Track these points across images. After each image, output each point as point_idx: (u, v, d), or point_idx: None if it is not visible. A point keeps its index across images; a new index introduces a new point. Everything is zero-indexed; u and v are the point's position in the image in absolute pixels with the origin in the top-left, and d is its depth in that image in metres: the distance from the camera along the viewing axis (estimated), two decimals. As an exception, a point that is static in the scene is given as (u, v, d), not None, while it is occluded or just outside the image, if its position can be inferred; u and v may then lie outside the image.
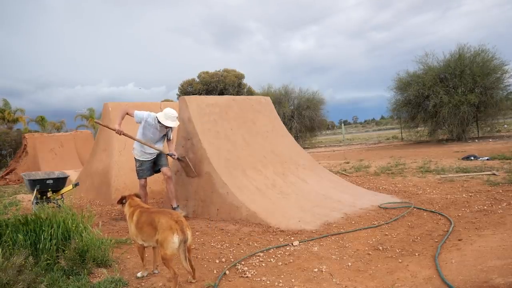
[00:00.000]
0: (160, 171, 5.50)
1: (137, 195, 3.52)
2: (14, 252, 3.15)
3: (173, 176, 5.72)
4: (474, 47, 15.93)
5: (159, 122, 5.18)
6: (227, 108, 6.43)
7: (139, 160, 5.40)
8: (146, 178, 5.47)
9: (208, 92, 26.44)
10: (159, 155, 5.50)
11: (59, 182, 6.07)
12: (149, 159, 5.42)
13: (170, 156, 5.44)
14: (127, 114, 5.27)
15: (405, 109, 17.36)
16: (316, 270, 3.16)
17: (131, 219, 3.23)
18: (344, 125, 41.40)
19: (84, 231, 3.57)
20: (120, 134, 5.23)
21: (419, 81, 16.11)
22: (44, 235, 3.37)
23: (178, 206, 5.47)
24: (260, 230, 4.43)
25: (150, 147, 5.29)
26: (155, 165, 5.51)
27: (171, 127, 5.31)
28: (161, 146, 5.48)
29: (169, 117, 5.20)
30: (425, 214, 4.71)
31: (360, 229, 4.22)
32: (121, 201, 3.48)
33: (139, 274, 3.22)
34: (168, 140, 5.51)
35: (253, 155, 6.05)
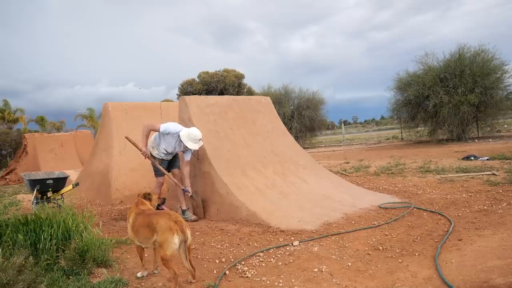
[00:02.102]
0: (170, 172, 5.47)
1: (145, 195, 3.50)
2: (14, 252, 3.14)
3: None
4: (474, 47, 15.97)
5: (180, 140, 5.07)
6: (227, 108, 6.44)
7: (158, 158, 5.29)
8: (164, 176, 5.38)
9: (208, 92, 26.43)
10: (175, 157, 5.50)
11: (59, 182, 6.08)
12: (168, 158, 5.40)
13: (185, 192, 5.29)
14: (152, 130, 5.13)
15: (405, 109, 17.36)
16: (316, 270, 3.16)
17: (128, 221, 3.24)
18: (344, 125, 41.36)
19: (84, 231, 3.57)
20: (145, 157, 5.16)
21: (419, 81, 16.11)
22: (44, 235, 3.37)
23: (188, 208, 5.36)
24: (260, 230, 4.43)
25: (161, 170, 5.23)
26: (169, 166, 5.47)
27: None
28: (170, 157, 5.42)
29: (191, 138, 5.02)
30: (425, 214, 4.70)
31: (360, 229, 4.22)
32: None
33: (139, 274, 3.22)
34: (185, 160, 5.27)
35: (253, 155, 6.04)
